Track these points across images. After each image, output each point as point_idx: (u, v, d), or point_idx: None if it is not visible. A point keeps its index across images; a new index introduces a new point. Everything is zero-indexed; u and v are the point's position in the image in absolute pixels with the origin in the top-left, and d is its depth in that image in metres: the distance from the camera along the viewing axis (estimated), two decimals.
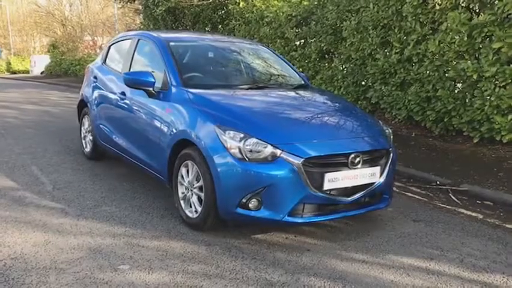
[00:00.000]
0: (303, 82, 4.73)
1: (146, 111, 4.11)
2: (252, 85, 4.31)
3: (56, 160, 5.64)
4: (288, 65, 5.03)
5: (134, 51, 4.73)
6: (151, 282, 2.77)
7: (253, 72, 4.71)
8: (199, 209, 3.45)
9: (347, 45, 8.19)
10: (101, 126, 5.07)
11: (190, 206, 3.58)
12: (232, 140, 3.21)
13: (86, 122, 5.63)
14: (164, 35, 4.70)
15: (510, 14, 5.48)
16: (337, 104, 4.19)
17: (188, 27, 12.98)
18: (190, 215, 3.57)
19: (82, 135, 5.77)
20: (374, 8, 7.44)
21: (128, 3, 14.66)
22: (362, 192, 3.41)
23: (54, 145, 6.54)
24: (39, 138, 7.04)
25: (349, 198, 3.36)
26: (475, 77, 5.88)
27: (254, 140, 3.19)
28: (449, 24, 6.18)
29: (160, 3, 11.81)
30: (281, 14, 9.75)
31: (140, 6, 15.16)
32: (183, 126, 3.60)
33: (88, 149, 5.63)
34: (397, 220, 3.97)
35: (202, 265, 3.00)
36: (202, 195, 3.40)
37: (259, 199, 3.16)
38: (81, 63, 23.33)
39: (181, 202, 3.67)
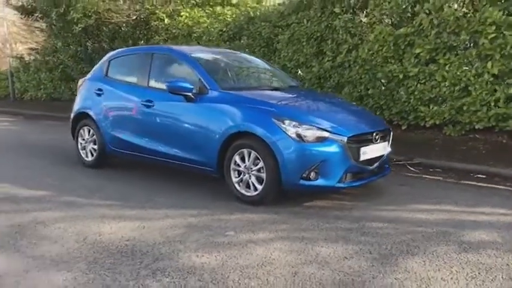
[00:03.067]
0: (294, 84, 5.72)
1: (187, 113, 4.70)
2: (269, 87, 5.19)
3: (66, 172, 5.71)
4: (279, 71, 6.02)
5: (151, 64, 5.26)
6: (263, 238, 3.49)
7: (263, 77, 5.59)
8: (259, 187, 4.22)
9: (281, 56, 9.34)
10: (116, 134, 5.45)
11: (247, 187, 4.32)
12: (290, 127, 4.06)
13: (85, 133, 5.89)
14: (180, 48, 5.35)
15: (425, 27, 7.09)
16: (336, 99, 5.27)
17: (105, 44, 13.08)
18: (247, 194, 4.32)
19: (80, 146, 5.98)
20: (307, 22, 8.70)
21: (36, 21, 14.19)
22: (378, 162, 4.49)
23: (43, 159, 6.56)
24: (20, 156, 6.92)
25: (371, 167, 4.42)
26: (401, 76, 7.40)
27: (306, 125, 4.09)
28: (376, 36, 7.65)
29: (80, 21, 11.80)
30: (212, 29, 10.60)
31: (43, 25, 14.75)
32: (236, 121, 4.32)
33: (89, 158, 5.88)
34: (388, 186, 5.10)
35: (287, 225, 3.80)
36: (262, 175, 4.18)
37: (317, 171, 4.06)
38: None
39: (236, 185, 4.39)
